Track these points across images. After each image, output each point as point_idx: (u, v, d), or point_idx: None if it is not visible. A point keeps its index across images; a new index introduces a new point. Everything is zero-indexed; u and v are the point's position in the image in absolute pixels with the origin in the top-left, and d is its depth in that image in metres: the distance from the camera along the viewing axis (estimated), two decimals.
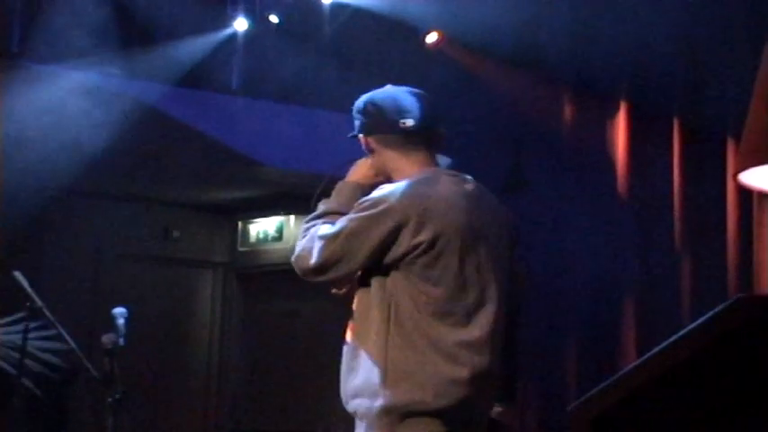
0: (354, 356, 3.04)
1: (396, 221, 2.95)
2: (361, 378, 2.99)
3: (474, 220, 3.02)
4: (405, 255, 2.95)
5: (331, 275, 3.04)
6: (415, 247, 2.94)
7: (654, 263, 5.23)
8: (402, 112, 3.08)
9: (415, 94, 3.13)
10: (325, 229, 3.03)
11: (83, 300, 6.55)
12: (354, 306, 3.09)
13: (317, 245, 3.02)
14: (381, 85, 3.19)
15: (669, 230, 5.14)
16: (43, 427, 5.79)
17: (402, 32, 5.98)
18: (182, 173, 6.46)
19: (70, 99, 5.51)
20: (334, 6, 6.10)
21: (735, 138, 4.65)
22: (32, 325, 4.48)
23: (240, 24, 6.25)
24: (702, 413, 2.10)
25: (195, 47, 6.04)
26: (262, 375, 7.46)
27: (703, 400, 2.11)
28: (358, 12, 6.02)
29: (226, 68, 6.20)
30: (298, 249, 3.08)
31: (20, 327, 4.59)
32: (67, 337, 4.20)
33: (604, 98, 5.47)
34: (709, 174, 5.02)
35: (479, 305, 2.99)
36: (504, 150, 5.67)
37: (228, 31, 6.23)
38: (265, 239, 7.56)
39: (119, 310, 4.00)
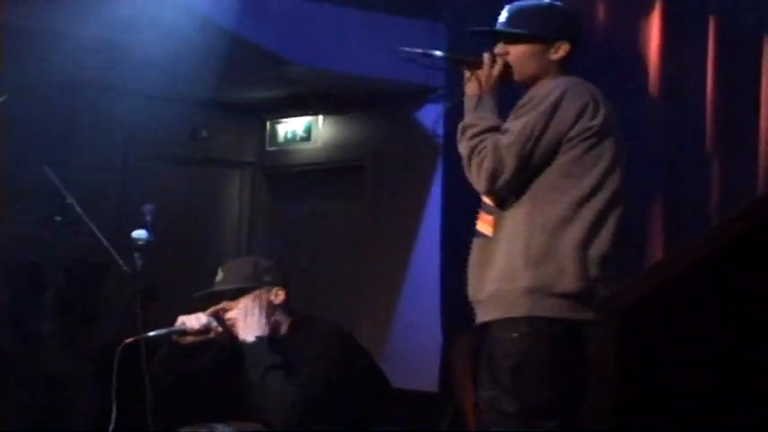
0: (493, 248, 3.16)
1: (578, 104, 3.11)
2: (501, 266, 3.12)
3: (614, 116, 3.23)
4: (574, 137, 3.10)
5: (522, 177, 3.12)
6: (587, 129, 3.11)
7: (684, 163, 5.20)
8: None
9: None
10: (506, 139, 3.10)
11: (112, 197, 6.59)
12: (487, 200, 3.21)
13: (509, 155, 3.08)
14: None
15: (700, 130, 5.11)
16: (74, 319, 5.87)
17: None
18: (210, 71, 6.43)
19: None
20: None
21: None
22: (62, 220, 4.51)
23: None
24: (731, 308, 2.10)
25: None
26: (288, 275, 7.51)
27: (732, 296, 2.10)
28: None
29: None
30: (486, 168, 3.10)
31: (50, 222, 4.63)
32: (97, 232, 4.23)
33: None
34: (743, 73, 4.97)
35: (616, 197, 3.16)
36: None
37: None
38: (294, 139, 7.55)
39: (148, 207, 4.02)
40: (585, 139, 3.11)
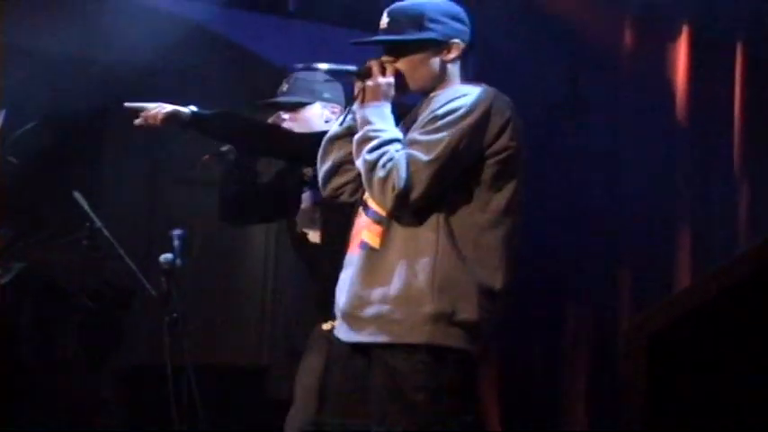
0: (379, 263, 2.93)
1: (502, 121, 2.89)
2: (396, 285, 2.90)
3: (524, 136, 2.99)
4: (491, 156, 2.89)
5: (434, 195, 2.89)
6: (505, 149, 2.89)
7: (711, 191, 5.19)
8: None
9: None
10: (424, 154, 2.84)
11: (139, 222, 6.60)
12: (377, 208, 2.97)
13: (426, 171, 2.83)
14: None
15: (728, 158, 5.10)
16: (100, 344, 5.88)
17: None
18: (238, 97, 6.46)
19: (129, 19, 5.51)
20: None
21: None
22: (90, 244, 4.54)
23: None
24: (760, 334, 2.08)
25: None
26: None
27: (761, 322, 2.09)
28: None
29: None
30: (394, 184, 2.83)
31: (78, 246, 4.65)
32: (126, 257, 4.26)
33: (666, 21, 5.37)
34: None
35: (516, 228, 2.96)
36: (560, 74, 5.60)
37: None
38: None
39: (176, 232, 4.04)
40: (500, 161, 2.89)
